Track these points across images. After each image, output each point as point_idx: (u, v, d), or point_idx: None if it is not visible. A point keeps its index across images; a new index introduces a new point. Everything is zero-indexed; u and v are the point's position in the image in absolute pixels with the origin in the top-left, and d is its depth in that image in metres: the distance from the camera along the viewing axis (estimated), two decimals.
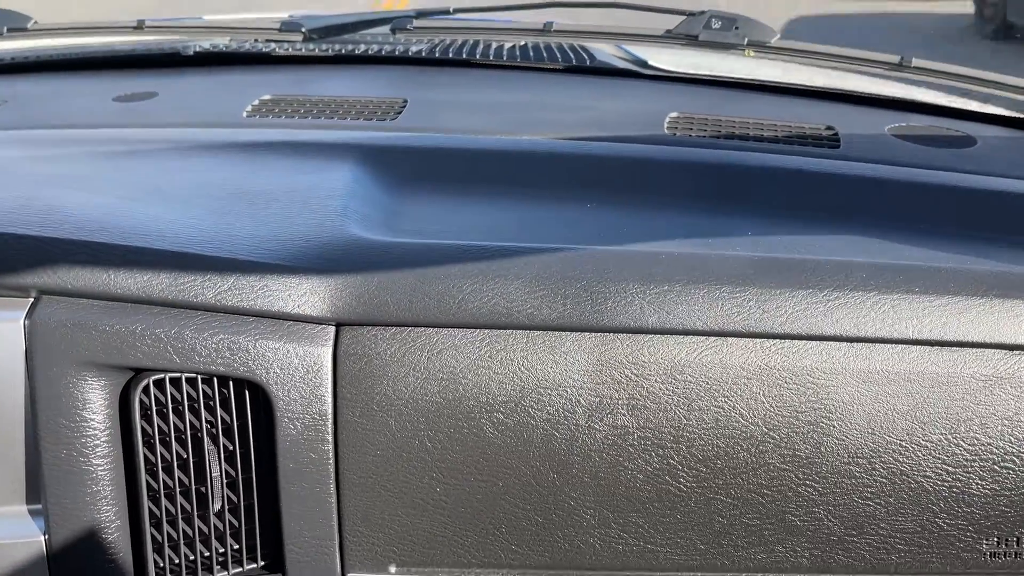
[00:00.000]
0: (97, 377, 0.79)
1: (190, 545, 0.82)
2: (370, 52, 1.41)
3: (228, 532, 0.83)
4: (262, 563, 0.85)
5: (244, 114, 1.17)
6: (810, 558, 0.82)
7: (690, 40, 1.32)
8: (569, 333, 0.81)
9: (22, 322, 0.78)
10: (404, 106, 1.19)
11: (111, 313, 0.79)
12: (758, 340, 0.81)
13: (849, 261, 0.84)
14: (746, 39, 1.30)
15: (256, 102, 1.20)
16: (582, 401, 0.81)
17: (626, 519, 0.82)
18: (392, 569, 0.84)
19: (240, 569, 0.84)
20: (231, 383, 0.81)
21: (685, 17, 1.31)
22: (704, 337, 0.81)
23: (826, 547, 0.82)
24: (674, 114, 1.17)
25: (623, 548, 0.82)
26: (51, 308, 0.79)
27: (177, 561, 0.82)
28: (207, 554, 0.83)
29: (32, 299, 0.79)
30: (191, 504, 0.82)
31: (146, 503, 0.81)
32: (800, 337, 0.81)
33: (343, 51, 1.42)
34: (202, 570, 0.83)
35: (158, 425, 0.81)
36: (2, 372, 0.78)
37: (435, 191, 1.00)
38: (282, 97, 1.22)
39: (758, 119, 1.17)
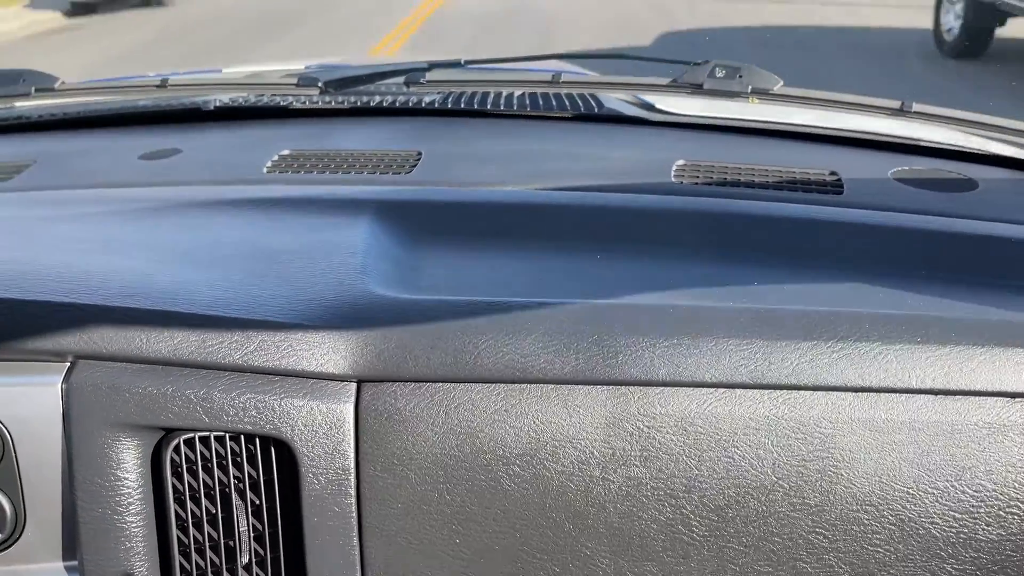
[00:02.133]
0: (130, 437, 0.82)
1: None
2: (385, 104, 1.46)
3: None
4: None
5: (264, 170, 1.21)
6: None
7: (695, 89, 1.36)
8: (582, 386, 0.84)
9: (59, 386, 0.82)
10: (419, 159, 1.23)
11: (143, 375, 0.83)
12: (765, 391, 0.83)
13: (853, 312, 0.86)
14: (750, 87, 1.34)
15: (276, 157, 1.25)
16: (596, 453, 0.83)
17: (641, 568, 0.84)
18: None
19: None
20: (257, 440, 0.84)
21: (690, 67, 1.35)
22: (713, 389, 0.83)
23: None
24: (681, 162, 1.20)
25: None
26: (86, 372, 0.82)
27: None
28: None
29: (68, 363, 0.83)
30: (220, 558, 0.85)
31: (177, 558, 0.84)
32: (806, 388, 0.83)
33: (358, 103, 1.46)
34: None
35: (188, 482, 0.84)
36: (41, 434, 0.82)
37: (450, 245, 1.03)
38: (300, 152, 1.27)
39: (763, 165, 1.20)
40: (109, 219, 1.08)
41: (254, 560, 0.86)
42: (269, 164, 1.23)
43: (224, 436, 0.84)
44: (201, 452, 0.84)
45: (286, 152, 1.26)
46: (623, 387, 0.84)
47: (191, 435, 0.83)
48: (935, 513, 0.82)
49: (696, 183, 1.14)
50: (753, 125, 1.35)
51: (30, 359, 0.83)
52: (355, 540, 0.85)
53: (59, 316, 0.82)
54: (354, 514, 0.84)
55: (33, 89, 1.50)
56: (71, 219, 1.07)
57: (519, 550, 0.84)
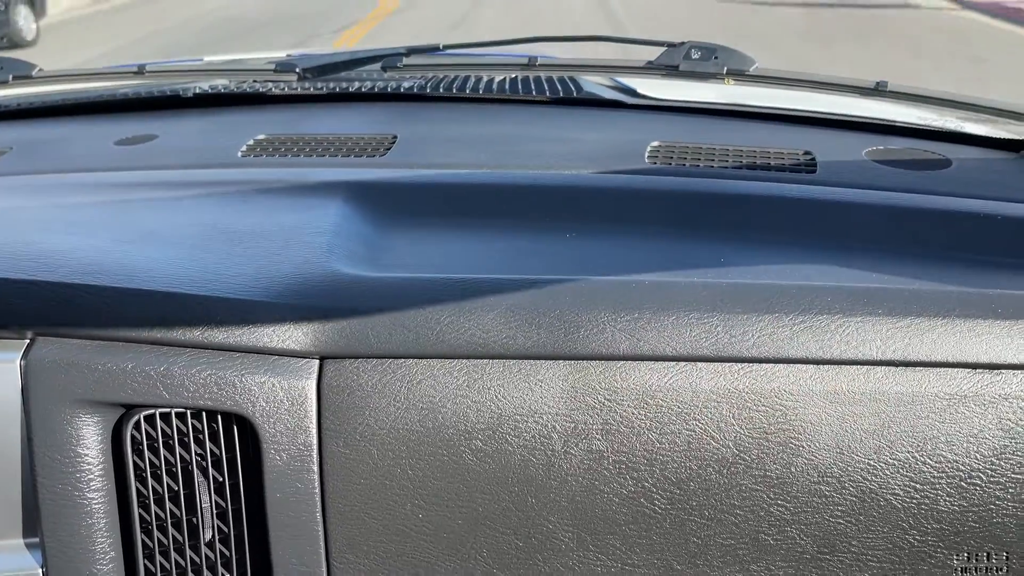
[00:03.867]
0: (90, 414, 0.82)
1: (182, 575, 0.85)
2: (362, 89, 1.46)
3: (219, 562, 0.86)
4: None
5: (239, 154, 1.21)
6: None
7: (670, 71, 1.35)
8: (544, 361, 0.84)
9: (18, 362, 0.82)
10: (394, 142, 1.23)
11: (103, 352, 0.83)
12: (727, 364, 0.83)
13: (813, 285, 0.86)
14: (725, 68, 1.33)
15: (251, 142, 1.25)
16: (558, 427, 0.83)
17: (603, 541, 0.84)
18: None
19: None
20: (219, 417, 0.84)
21: (665, 48, 1.35)
22: (674, 363, 0.83)
23: (799, 565, 0.84)
24: (655, 143, 1.20)
25: (601, 570, 0.85)
26: (46, 348, 0.82)
27: None
28: None
29: (28, 340, 0.83)
30: (183, 535, 0.85)
31: (139, 535, 0.84)
32: (767, 360, 0.83)
33: (336, 89, 1.46)
34: None
35: (149, 459, 0.84)
36: (2, 412, 0.82)
37: (420, 226, 1.03)
38: (276, 136, 1.27)
39: (737, 146, 1.20)
40: (80, 203, 1.08)
41: (217, 537, 0.86)
42: (244, 148, 1.23)
43: (185, 412, 0.84)
44: (162, 429, 0.84)
45: (261, 137, 1.26)
46: (584, 361, 0.84)
47: (151, 411, 0.83)
48: (896, 484, 0.82)
49: (670, 163, 1.14)
50: (728, 107, 1.35)
51: None
52: (318, 516, 0.85)
53: (17, 293, 0.82)
54: (317, 490, 0.84)
55: (11, 77, 1.50)
56: (39, 202, 1.07)
57: (481, 524, 0.84)
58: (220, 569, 0.86)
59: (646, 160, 1.15)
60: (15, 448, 0.83)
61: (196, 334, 0.83)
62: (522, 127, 1.32)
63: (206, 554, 0.85)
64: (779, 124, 1.30)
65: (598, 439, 0.83)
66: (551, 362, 0.84)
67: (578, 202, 1.07)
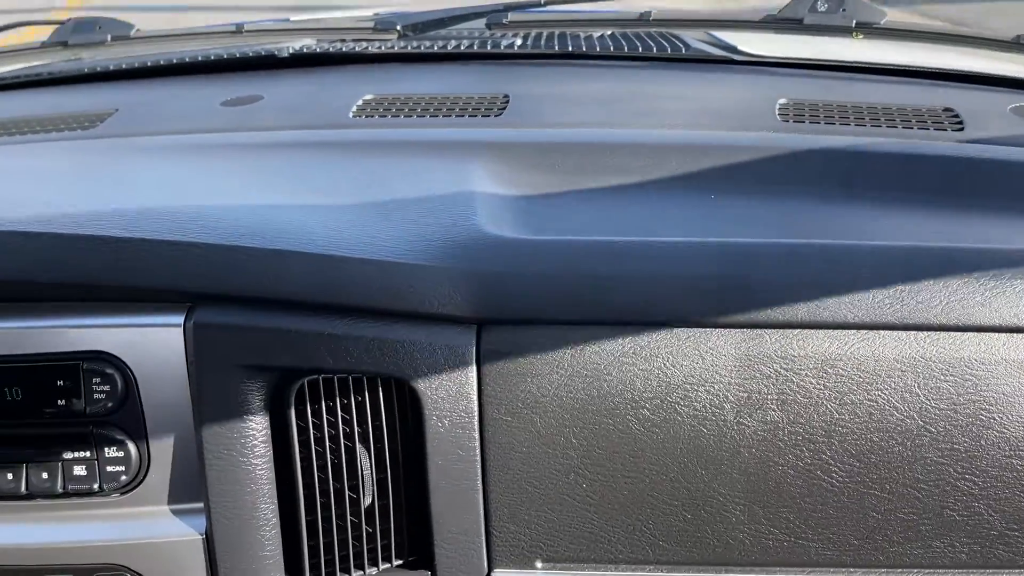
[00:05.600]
0: (254, 379, 0.81)
1: (343, 542, 0.84)
2: (465, 48, 1.41)
3: (379, 529, 0.84)
4: (411, 558, 0.86)
5: (350, 115, 1.18)
6: (969, 553, 0.80)
7: (795, 24, 1.30)
8: (715, 329, 0.81)
9: (182, 327, 0.80)
10: (507, 102, 1.19)
11: (265, 316, 0.81)
12: (911, 332, 0.79)
13: (999, 248, 0.82)
14: (854, 21, 1.27)
15: (360, 102, 1.21)
16: (730, 397, 0.80)
17: (776, 515, 0.81)
18: (538, 565, 0.84)
19: (389, 565, 0.86)
20: (379, 382, 0.82)
21: (790, 0, 1.29)
22: (855, 331, 0.79)
23: (986, 543, 0.80)
24: (783, 101, 1.15)
25: (773, 544, 0.82)
26: (208, 312, 0.81)
27: (330, 557, 0.84)
28: (358, 549, 0.84)
29: (190, 304, 0.81)
30: (344, 502, 0.83)
31: (301, 501, 0.82)
32: (955, 328, 0.79)
33: (438, 48, 1.42)
34: (354, 566, 0.84)
35: (311, 424, 0.82)
36: (164, 375, 0.81)
37: (557, 186, 1.00)
38: (384, 96, 1.23)
39: (872, 103, 1.14)
40: (203, 163, 1.06)
41: (377, 504, 0.84)
42: (355, 109, 1.19)
43: (347, 378, 0.82)
44: (324, 394, 0.82)
45: (369, 97, 1.23)
46: (759, 329, 0.80)
47: (315, 376, 0.81)
48: None
49: (804, 122, 1.09)
50: (857, 65, 1.29)
51: (152, 299, 0.81)
52: (479, 484, 0.83)
53: (179, 256, 0.80)
54: (478, 458, 0.82)
55: (109, 37, 1.48)
56: (164, 164, 1.05)
57: (648, 496, 0.82)
58: (379, 536, 0.85)
59: (777, 118, 1.10)
60: (179, 413, 0.82)
61: (357, 297, 0.81)
62: (639, 85, 1.28)
63: (365, 521, 0.84)
64: (912, 80, 1.24)
65: (773, 410, 0.80)
66: (723, 330, 0.81)
67: (715, 161, 1.02)
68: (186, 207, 0.88)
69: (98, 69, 1.43)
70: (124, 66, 1.43)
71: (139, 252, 0.80)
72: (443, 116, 1.17)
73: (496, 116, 1.15)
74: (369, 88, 1.26)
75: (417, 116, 1.17)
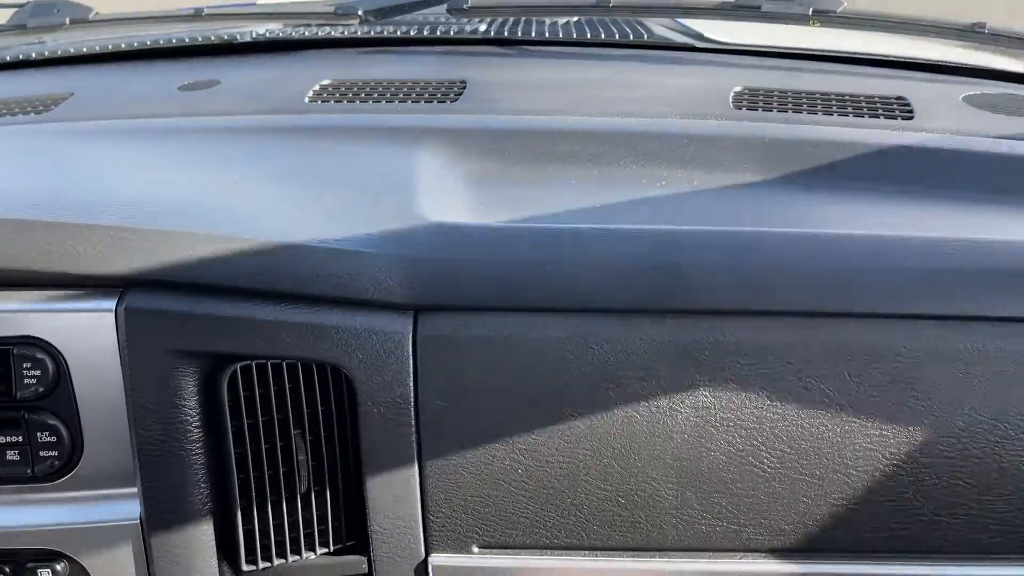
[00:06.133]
0: (187, 364, 0.81)
1: (278, 527, 0.84)
2: (426, 33, 1.41)
3: (315, 514, 0.85)
4: (348, 544, 0.86)
5: (307, 99, 1.18)
6: (899, 539, 0.81)
7: (752, 12, 1.29)
8: (650, 315, 0.81)
9: (114, 312, 0.80)
10: (464, 87, 1.18)
11: (199, 301, 0.81)
12: (842, 320, 0.80)
13: (938, 237, 0.82)
14: (811, 8, 1.27)
15: (317, 87, 1.21)
16: (663, 383, 0.81)
17: (709, 500, 0.82)
18: (475, 550, 0.85)
19: (326, 550, 0.86)
20: (314, 368, 0.82)
21: None
22: (786, 317, 0.80)
23: (915, 528, 0.81)
24: (738, 88, 1.15)
25: (705, 529, 0.82)
26: (141, 297, 0.80)
27: (266, 542, 0.84)
28: (294, 535, 0.85)
29: (122, 289, 0.81)
30: (278, 488, 0.84)
31: (236, 487, 0.83)
32: (886, 316, 0.79)
33: (399, 33, 1.41)
34: (290, 551, 0.85)
35: (245, 410, 0.82)
36: (96, 360, 0.81)
37: (505, 173, 0.99)
38: (342, 81, 1.23)
39: (826, 91, 1.14)
40: (152, 147, 1.05)
41: (312, 490, 0.84)
42: (311, 94, 1.19)
43: (281, 364, 0.82)
44: (258, 380, 0.82)
45: (327, 82, 1.22)
46: (693, 316, 0.80)
47: (248, 362, 0.81)
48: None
49: (757, 110, 1.09)
50: (813, 53, 1.29)
51: (83, 284, 0.81)
52: (415, 470, 0.83)
53: (111, 241, 0.80)
54: (413, 444, 0.83)
55: (68, 20, 1.47)
56: (112, 148, 1.05)
57: (582, 482, 0.82)
58: (315, 522, 0.85)
59: (731, 105, 1.10)
60: (111, 398, 0.81)
61: (291, 283, 0.81)
62: (596, 72, 1.27)
63: (301, 507, 0.84)
64: (868, 69, 1.24)
65: (706, 396, 0.80)
66: (656, 317, 0.81)
67: (665, 149, 1.02)
68: (125, 192, 0.88)
69: (56, 53, 1.41)
70: (83, 50, 1.42)
71: (69, 237, 0.79)
72: (399, 102, 1.16)
73: (452, 102, 1.14)
74: (328, 73, 1.26)
75: (373, 102, 1.17)
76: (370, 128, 1.07)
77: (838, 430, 0.80)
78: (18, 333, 0.80)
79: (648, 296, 0.80)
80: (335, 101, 1.17)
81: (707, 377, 0.80)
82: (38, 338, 0.80)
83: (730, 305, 0.80)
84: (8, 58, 1.41)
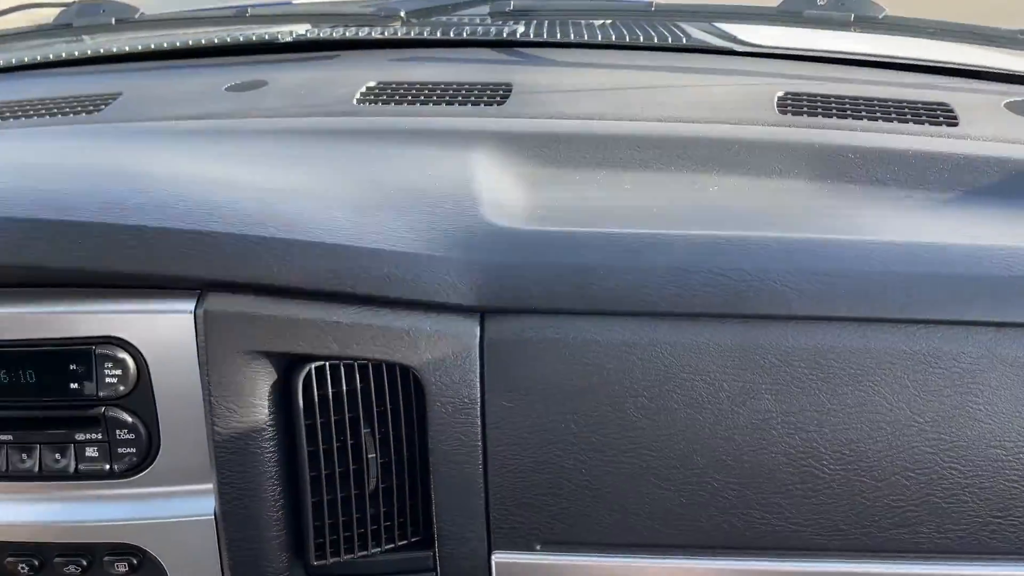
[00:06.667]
0: (262, 364, 0.83)
1: (347, 523, 0.86)
2: (468, 35, 1.42)
3: (382, 511, 0.87)
4: (413, 539, 0.88)
5: (355, 101, 1.19)
6: (956, 541, 0.83)
7: (795, 17, 1.31)
8: (713, 319, 0.83)
9: (192, 313, 0.82)
10: (509, 90, 1.20)
11: (274, 304, 0.83)
12: (903, 326, 0.81)
13: (991, 246, 0.84)
14: (853, 15, 1.28)
15: (364, 89, 1.22)
16: (725, 386, 0.82)
17: (768, 500, 0.84)
18: (537, 547, 0.87)
19: (392, 545, 0.88)
20: (385, 368, 0.84)
21: None
22: (847, 323, 0.82)
23: (972, 529, 0.83)
24: (781, 93, 1.16)
25: (765, 529, 0.84)
26: (218, 299, 0.82)
27: (335, 537, 0.87)
28: (362, 531, 0.87)
29: (200, 291, 0.83)
30: (348, 484, 0.86)
31: (308, 483, 0.85)
32: (945, 322, 0.81)
33: (441, 34, 1.43)
34: (358, 546, 0.87)
35: (317, 410, 0.84)
36: (175, 360, 0.83)
37: (558, 177, 1.01)
38: (388, 83, 1.24)
39: (870, 97, 1.16)
40: (210, 150, 1.07)
41: (380, 487, 0.87)
42: (359, 95, 1.21)
43: (353, 365, 0.84)
44: (331, 380, 0.84)
45: (373, 84, 1.24)
46: (756, 320, 0.82)
47: (321, 363, 0.83)
48: None
49: (802, 115, 1.11)
50: (855, 57, 1.30)
51: (162, 286, 0.83)
52: (480, 469, 0.85)
53: (191, 245, 0.82)
54: (479, 443, 0.85)
55: (113, 20, 1.48)
56: (173, 150, 1.07)
57: (644, 481, 0.84)
58: (382, 518, 0.87)
59: (776, 111, 1.12)
60: (189, 397, 0.84)
61: (363, 287, 0.83)
62: (640, 75, 1.29)
63: (369, 503, 0.86)
64: (911, 74, 1.26)
65: (767, 399, 0.82)
66: (720, 320, 0.83)
67: (716, 155, 1.04)
68: (197, 195, 0.90)
69: (101, 52, 1.43)
70: (127, 49, 1.44)
71: (152, 240, 0.81)
72: (446, 104, 1.18)
73: (499, 105, 1.16)
74: (373, 74, 1.27)
75: (420, 104, 1.18)
76: (421, 131, 1.09)
77: (897, 434, 0.82)
78: (100, 333, 0.82)
79: (712, 301, 0.82)
80: (383, 103, 1.19)
81: (769, 380, 0.82)
82: (119, 338, 0.82)
83: (793, 311, 0.82)
84: (54, 56, 1.43)
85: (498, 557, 0.87)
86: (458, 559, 0.87)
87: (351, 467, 0.85)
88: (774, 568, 0.85)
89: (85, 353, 0.82)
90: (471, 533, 0.87)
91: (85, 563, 0.85)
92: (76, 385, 0.82)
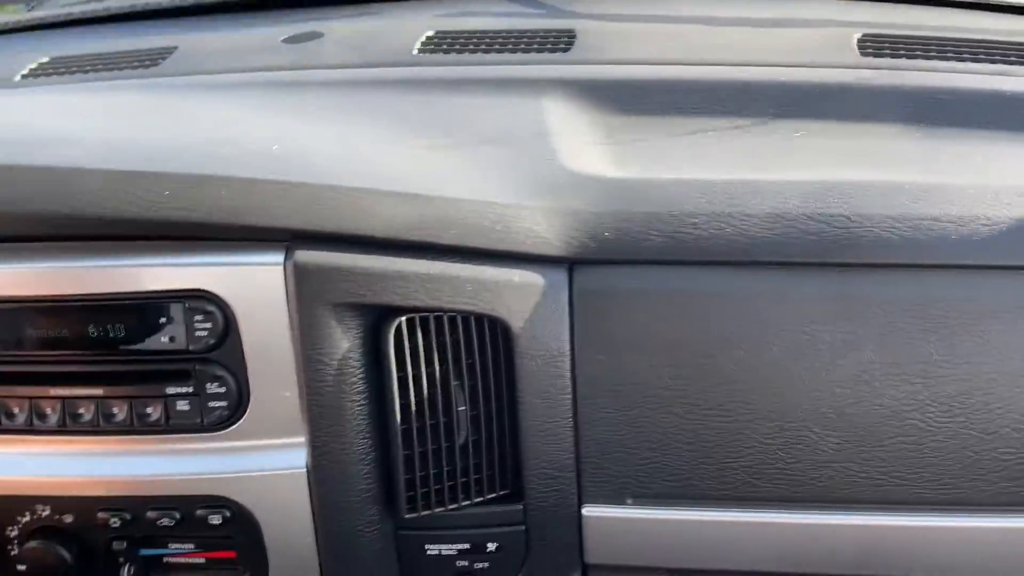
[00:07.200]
0: (352, 317, 0.82)
1: (437, 476, 0.86)
2: None
3: (472, 463, 0.86)
4: (503, 492, 0.88)
5: (415, 51, 1.16)
6: None
7: None
8: (811, 268, 0.80)
9: (282, 265, 0.81)
10: (573, 37, 1.16)
11: (364, 255, 0.81)
12: (1013, 272, 0.79)
13: None
14: None
15: (424, 38, 1.19)
16: (826, 337, 0.80)
17: (870, 454, 0.82)
18: (629, 501, 0.86)
19: (482, 499, 0.87)
20: (474, 320, 0.83)
21: None
22: (955, 270, 0.79)
23: None
24: (859, 35, 1.12)
25: (866, 483, 0.83)
26: (308, 251, 0.81)
27: (425, 490, 0.86)
28: (452, 484, 0.86)
29: (290, 242, 0.82)
30: (439, 437, 0.85)
31: (399, 436, 0.84)
32: None
33: None
34: (448, 499, 0.86)
35: (410, 362, 0.83)
36: (264, 312, 0.82)
37: (635, 125, 0.98)
38: (447, 32, 1.21)
39: (950, 37, 1.11)
40: (275, 102, 1.05)
41: (471, 440, 0.86)
42: (419, 45, 1.18)
43: (442, 316, 0.83)
44: (420, 332, 0.83)
45: (431, 33, 1.21)
46: (857, 268, 0.80)
47: (411, 315, 0.82)
48: None
49: (883, 56, 1.06)
50: None
51: (250, 238, 0.82)
52: (570, 421, 0.84)
53: (280, 195, 0.81)
54: (569, 396, 0.83)
55: None
56: (239, 104, 1.05)
57: (739, 434, 0.83)
58: (472, 471, 0.86)
59: (858, 52, 1.08)
60: (279, 350, 0.83)
61: (451, 237, 0.81)
62: (707, 16, 1.24)
63: (460, 458, 0.86)
64: (999, 12, 1.20)
65: (870, 350, 0.80)
66: (820, 269, 0.80)
67: (795, 99, 1.00)
68: (275, 147, 0.88)
69: (153, 5, 1.41)
70: (179, 2, 1.41)
71: (242, 191, 0.80)
72: (509, 52, 1.15)
73: (564, 52, 1.13)
74: (430, 23, 1.24)
75: (482, 52, 1.15)
76: (486, 80, 1.06)
77: (1009, 385, 0.79)
78: (189, 287, 0.81)
79: (812, 249, 0.80)
80: (443, 52, 1.16)
81: (871, 330, 0.80)
82: (208, 291, 0.81)
83: (895, 258, 0.79)
84: (106, 10, 1.41)
85: (588, 510, 0.87)
86: (548, 512, 0.87)
87: (441, 420, 0.85)
88: (875, 522, 0.83)
89: (175, 306, 0.81)
90: (561, 486, 0.86)
91: (179, 516, 0.86)
92: (166, 339, 0.82)
